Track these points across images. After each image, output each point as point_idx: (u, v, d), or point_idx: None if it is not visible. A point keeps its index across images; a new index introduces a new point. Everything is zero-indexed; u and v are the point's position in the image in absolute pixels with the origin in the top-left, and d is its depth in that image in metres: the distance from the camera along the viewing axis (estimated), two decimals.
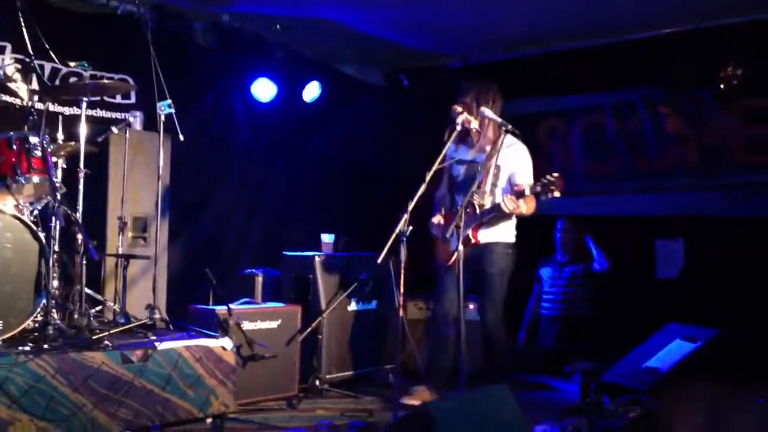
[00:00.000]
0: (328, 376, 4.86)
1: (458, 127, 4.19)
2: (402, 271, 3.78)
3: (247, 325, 4.33)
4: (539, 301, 5.71)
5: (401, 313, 4.01)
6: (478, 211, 4.24)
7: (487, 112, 4.21)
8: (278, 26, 5.54)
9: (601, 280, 5.49)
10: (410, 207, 3.76)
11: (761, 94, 5.20)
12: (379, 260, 3.78)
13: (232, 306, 4.35)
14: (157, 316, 4.21)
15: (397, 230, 3.70)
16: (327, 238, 5.30)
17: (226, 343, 4.04)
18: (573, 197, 5.98)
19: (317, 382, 4.77)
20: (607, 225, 5.64)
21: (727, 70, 5.11)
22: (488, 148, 4.30)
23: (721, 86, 5.18)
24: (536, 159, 6.17)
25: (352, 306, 5.13)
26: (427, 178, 3.87)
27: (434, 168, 4.02)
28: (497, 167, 4.30)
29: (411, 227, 3.82)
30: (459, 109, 4.26)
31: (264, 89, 5.80)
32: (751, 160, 5.26)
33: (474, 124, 4.23)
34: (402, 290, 3.82)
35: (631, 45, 5.56)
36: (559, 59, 5.91)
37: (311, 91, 6.06)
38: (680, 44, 5.34)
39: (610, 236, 5.55)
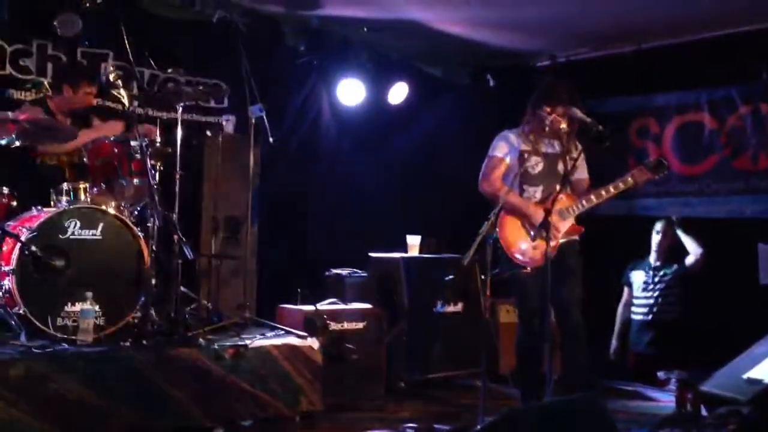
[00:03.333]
0: (413, 378, 4.87)
1: (546, 129, 4.11)
2: (488, 273, 3.73)
3: (333, 326, 4.39)
4: (629, 307, 5.53)
5: (487, 315, 3.96)
6: (581, 203, 4.10)
7: (578, 113, 4.10)
8: (365, 29, 5.59)
9: (695, 274, 5.26)
10: (496, 209, 3.72)
11: None
12: (465, 262, 3.73)
13: (319, 306, 4.42)
14: (248, 314, 4.33)
15: (482, 232, 3.66)
16: (412, 240, 5.31)
17: (314, 342, 4.10)
18: (668, 198, 5.78)
19: (403, 384, 4.78)
20: (705, 227, 5.41)
21: None
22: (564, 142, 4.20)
23: None
24: (628, 159, 6.05)
25: (438, 308, 5.11)
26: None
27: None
28: (573, 160, 4.18)
29: (498, 229, 3.77)
30: (548, 109, 4.16)
31: (351, 91, 5.86)
32: None
33: (563, 125, 4.13)
34: (488, 293, 3.78)
35: (728, 39, 5.32)
36: (651, 56, 5.71)
37: (397, 93, 6.09)
38: None
39: (708, 239, 5.32)
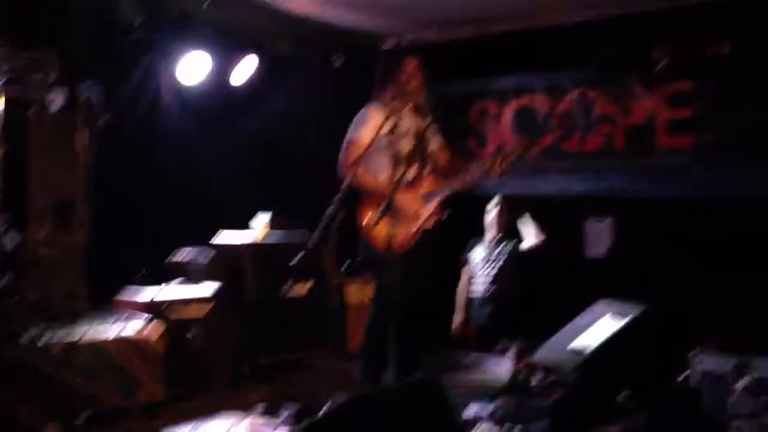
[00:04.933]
0: (261, 362, 4.83)
1: (390, 109, 4.15)
2: (335, 254, 3.75)
3: (176, 313, 4.25)
4: (469, 282, 5.73)
5: (334, 297, 3.99)
6: (445, 188, 4.09)
7: (416, 96, 4.16)
8: (207, 3, 5.37)
9: (532, 256, 5.55)
10: (343, 189, 3.73)
11: (683, 77, 5.34)
12: (312, 243, 3.72)
13: (160, 292, 4.26)
14: (81, 304, 4.10)
15: (329, 213, 3.66)
16: (260, 220, 5.23)
17: (152, 332, 3.96)
18: (504, 177, 6.04)
19: (250, 369, 4.73)
20: (538, 204, 5.72)
21: (659, 53, 5.26)
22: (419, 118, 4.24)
23: (657, 68, 5.32)
24: (468, 140, 6.30)
25: (286, 290, 5.08)
26: (360, 160, 3.87)
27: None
28: (426, 135, 4.22)
29: (358, 214, 3.77)
30: (391, 91, 4.20)
31: (193, 69, 5.64)
32: (673, 143, 5.42)
33: (405, 109, 4.19)
34: (335, 274, 3.80)
35: (562, 28, 5.64)
36: (493, 41, 5.96)
37: (243, 70, 5.94)
38: (611, 28, 5.45)
39: (541, 216, 5.64)
